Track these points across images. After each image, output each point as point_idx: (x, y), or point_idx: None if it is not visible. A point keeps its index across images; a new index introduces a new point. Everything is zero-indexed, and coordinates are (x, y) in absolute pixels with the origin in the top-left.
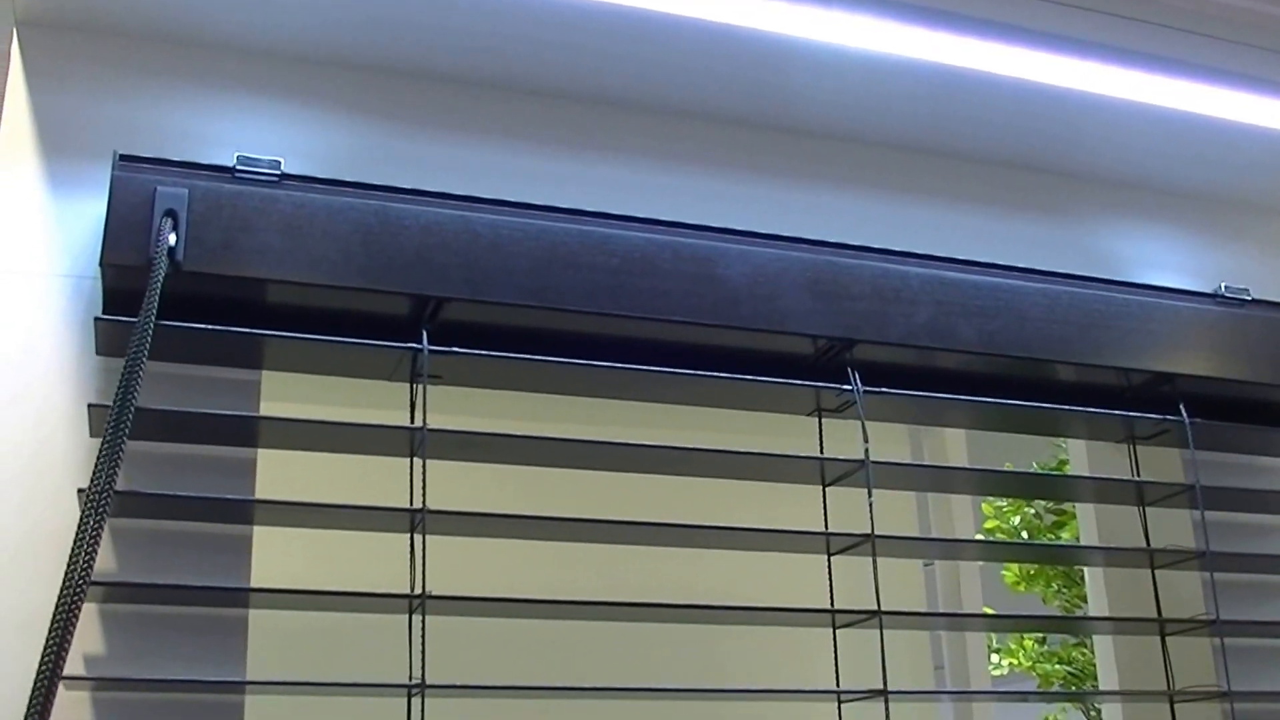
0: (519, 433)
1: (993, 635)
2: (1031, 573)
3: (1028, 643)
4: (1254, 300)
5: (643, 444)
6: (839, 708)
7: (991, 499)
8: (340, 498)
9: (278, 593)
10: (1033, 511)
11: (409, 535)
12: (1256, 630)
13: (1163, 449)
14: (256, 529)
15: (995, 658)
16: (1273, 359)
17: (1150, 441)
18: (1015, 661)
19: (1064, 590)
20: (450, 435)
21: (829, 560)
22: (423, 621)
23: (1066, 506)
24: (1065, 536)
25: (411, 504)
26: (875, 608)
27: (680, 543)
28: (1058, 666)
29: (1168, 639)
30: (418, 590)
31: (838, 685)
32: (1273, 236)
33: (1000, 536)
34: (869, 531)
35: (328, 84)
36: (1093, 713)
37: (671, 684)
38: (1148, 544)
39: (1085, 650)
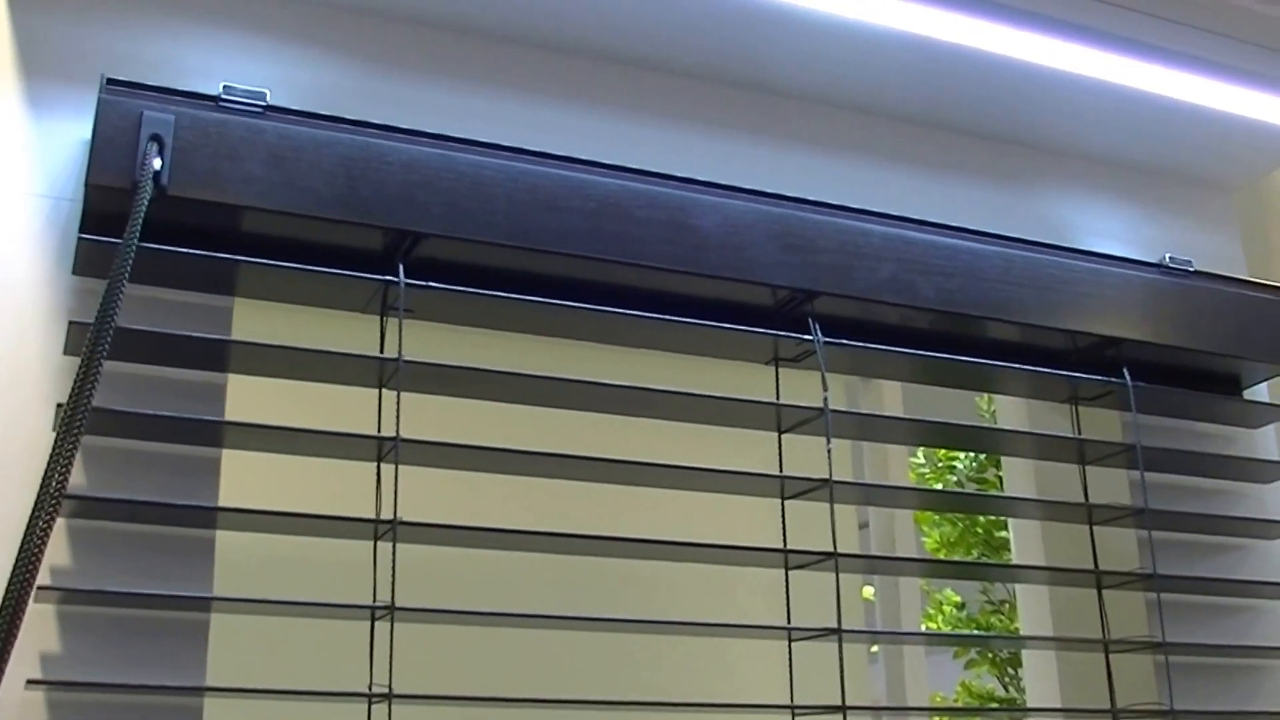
0: (488, 367)
1: None
2: (953, 540)
3: (947, 609)
4: (1196, 272)
5: (607, 383)
6: (789, 646)
7: (917, 463)
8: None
9: (245, 513)
10: (955, 479)
11: (377, 464)
12: (1192, 586)
13: (1103, 412)
14: (226, 468)
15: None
16: (1213, 328)
17: (1093, 403)
18: (935, 626)
19: (985, 557)
20: (423, 367)
21: (783, 504)
22: (393, 549)
23: (990, 476)
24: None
25: (381, 431)
26: (831, 549)
27: (642, 481)
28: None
29: (1104, 591)
30: (387, 516)
31: (789, 623)
32: (1215, 212)
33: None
34: (826, 477)
35: (314, 22)
36: (1007, 678)
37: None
38: (1086, 499)
39: (1004, 617)
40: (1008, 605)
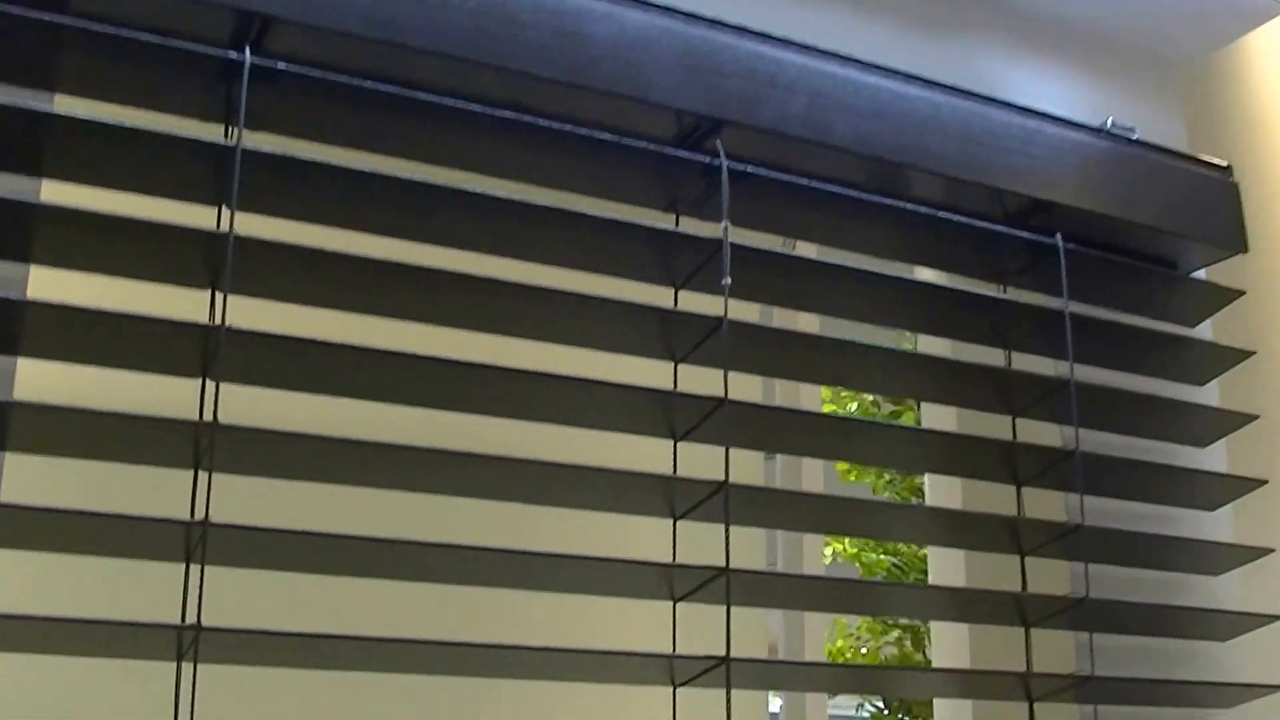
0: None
1: None
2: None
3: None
4: (1139, 141)
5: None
6: (671, 586)
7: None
8: None
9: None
10: (870, 398)
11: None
12: (1113, 465)
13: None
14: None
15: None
16: (1153, 202)
17: (1021, 279)
18: (840, 548)
19: (894, 481)
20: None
21: (675, 368)
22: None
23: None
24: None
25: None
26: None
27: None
28: (882, 557)
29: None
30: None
31: (673, 560)
32: (1160, 84)
33: None
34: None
35: None
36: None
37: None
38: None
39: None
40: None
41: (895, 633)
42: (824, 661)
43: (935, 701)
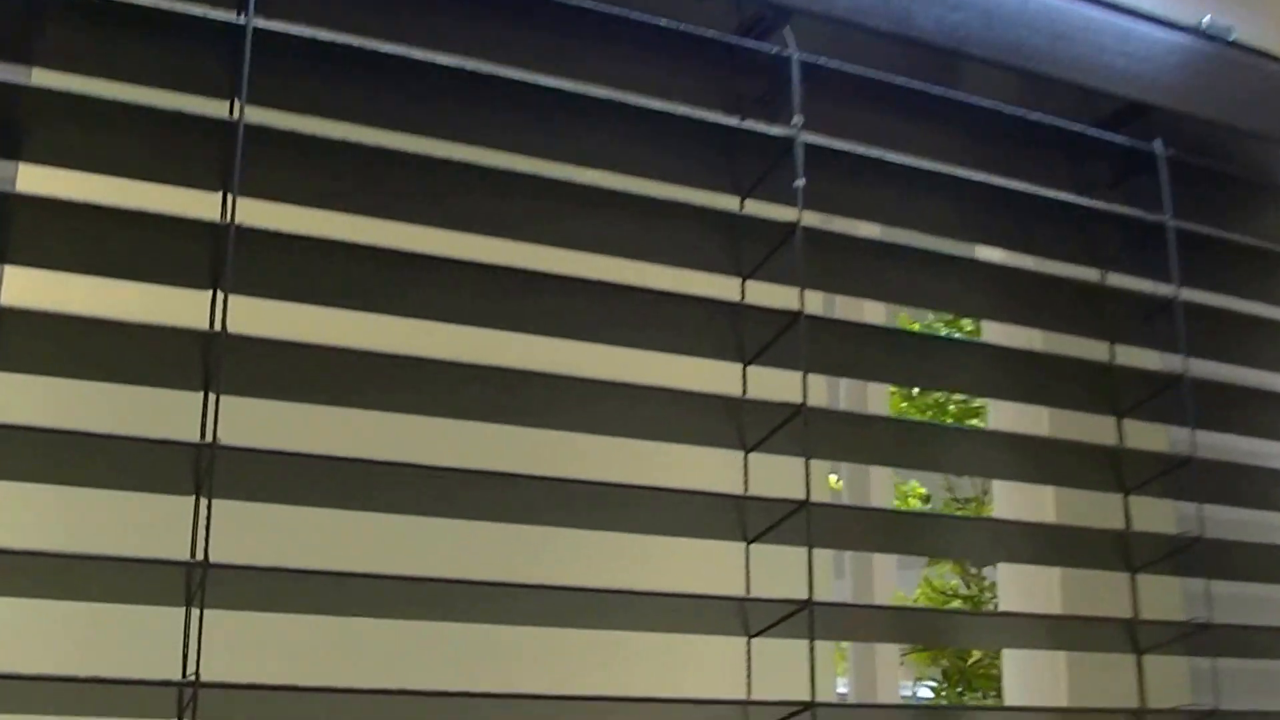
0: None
1: None
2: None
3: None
4: (1236, 43)
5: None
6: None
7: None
8: None
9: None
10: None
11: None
12: (1225, 395)
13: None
14: None
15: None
16: (1254, 106)
17: (1113, 193)
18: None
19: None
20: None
21: (743, 285)
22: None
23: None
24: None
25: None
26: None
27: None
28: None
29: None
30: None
31: (745, 490)
32: None
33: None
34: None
35: None
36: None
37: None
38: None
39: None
40: (974, 503)
41: (956, 603)
42: (915, 606)
43: (1005, 670)
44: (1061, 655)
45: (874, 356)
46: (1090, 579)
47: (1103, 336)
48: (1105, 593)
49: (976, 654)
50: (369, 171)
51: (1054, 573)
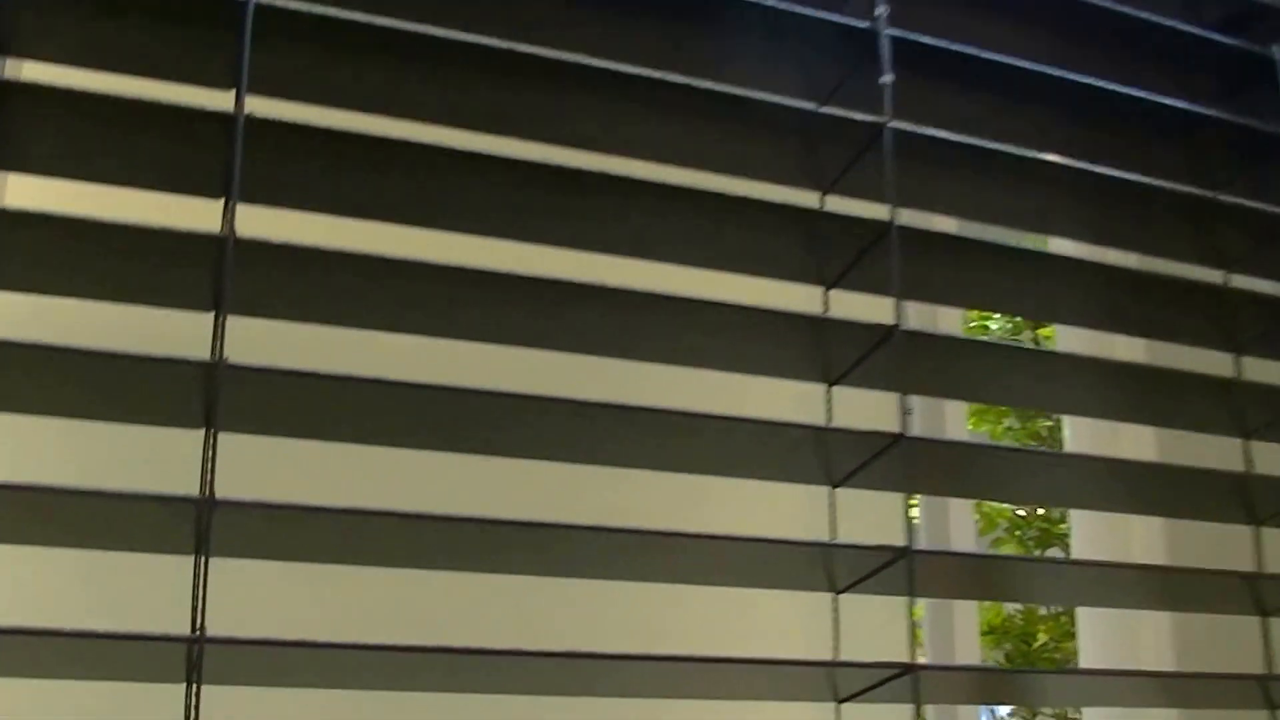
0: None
1: None
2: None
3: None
4: None
5: None
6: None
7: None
8: None
9: None
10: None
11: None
12: None
13: None
14: None
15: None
16: None
17: (1225, 104)
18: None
19: (1013, 430)
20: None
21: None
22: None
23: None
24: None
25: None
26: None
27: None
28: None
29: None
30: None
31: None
32: None
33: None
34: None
35: None
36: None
37: None
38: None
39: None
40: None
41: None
42: (1018, 555)
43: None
44: (1161, 622)
45: (976, 374)
46: (1202, 532)
47: (1217, 265)
48: (1220, 550)
49: (1042, 638)
50: (395, 172)
51: (1155, 522)
